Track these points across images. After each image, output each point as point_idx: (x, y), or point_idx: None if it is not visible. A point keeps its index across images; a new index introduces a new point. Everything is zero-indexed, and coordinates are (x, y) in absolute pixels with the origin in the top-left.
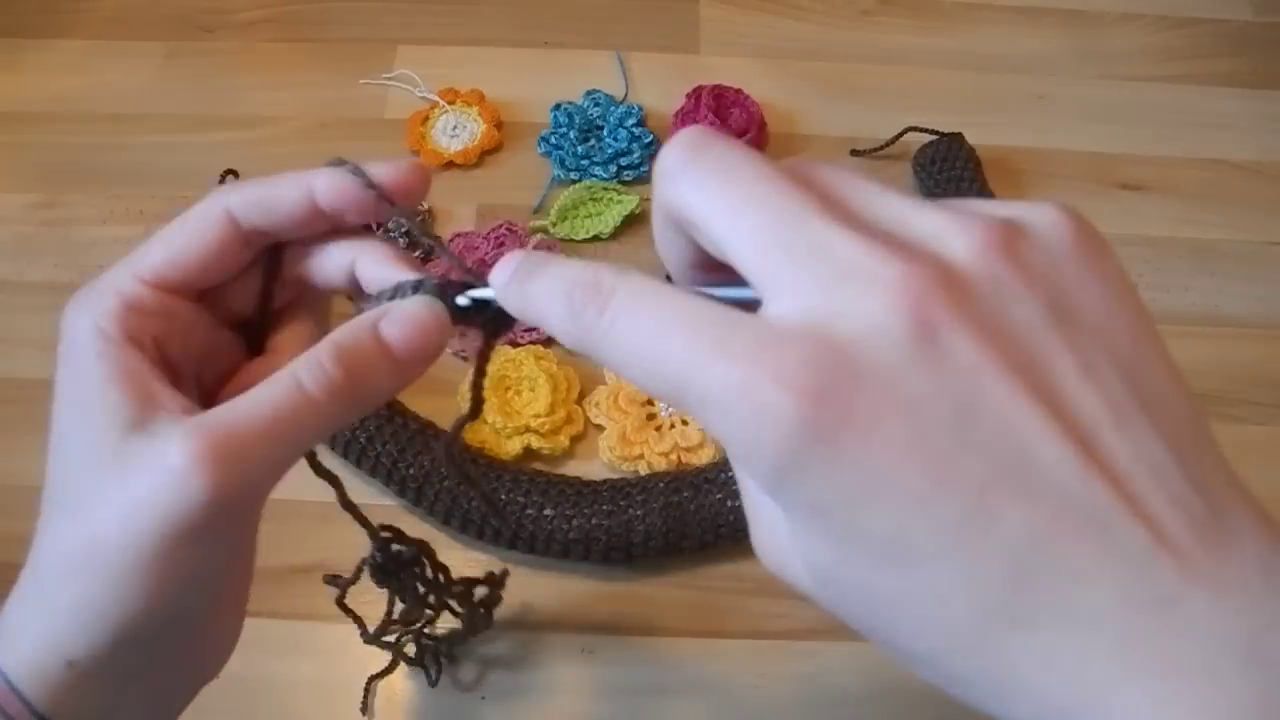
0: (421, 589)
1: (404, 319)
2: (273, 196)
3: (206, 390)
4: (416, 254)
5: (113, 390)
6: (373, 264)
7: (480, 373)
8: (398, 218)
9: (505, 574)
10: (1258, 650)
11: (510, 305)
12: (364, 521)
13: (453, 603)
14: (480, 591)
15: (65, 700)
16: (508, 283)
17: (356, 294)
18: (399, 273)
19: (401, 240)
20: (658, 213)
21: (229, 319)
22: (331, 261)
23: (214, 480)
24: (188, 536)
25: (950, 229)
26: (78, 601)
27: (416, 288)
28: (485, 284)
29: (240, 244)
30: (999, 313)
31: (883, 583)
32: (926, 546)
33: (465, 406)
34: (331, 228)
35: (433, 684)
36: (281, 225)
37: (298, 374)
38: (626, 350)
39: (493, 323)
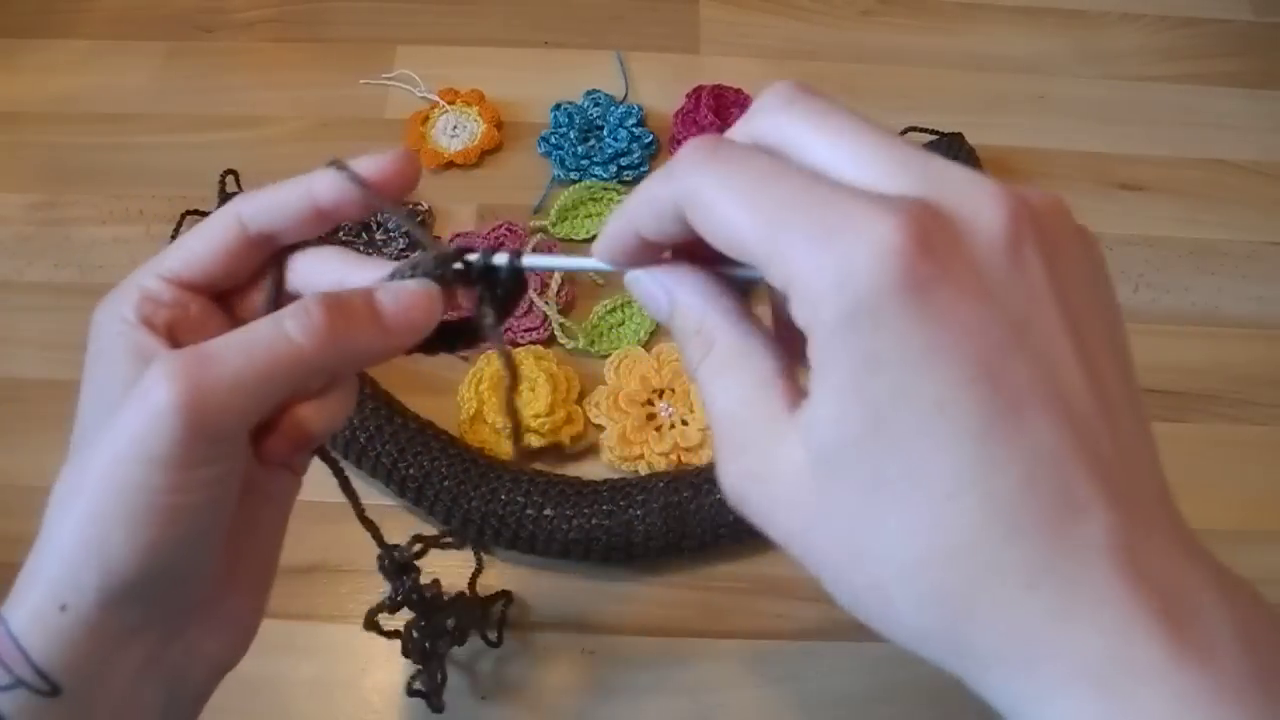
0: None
1: (396, 288)
2: (277, 201)
3: None
4: (416, 253)
5: (127, 362)
6: (372, 273)
7: (505, 352)
8: (392, 214)
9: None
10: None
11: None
12: (378, 538)
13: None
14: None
15: (62, 651)
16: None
17: None
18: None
19: (402, 240)
20: (663, 203)
21: (243, 321)
22: (332, 271)
23: (181, 397)
24: (163, 463)
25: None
26: (67, 541)
27: (414, 270)
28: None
29: (248, 247)
30: (1058, 257)
31: (897, 465)
32: (960, 429)
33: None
34: (334, 227)
35: (435, 709)
36: (286, 227)
37: (282, 317)
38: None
39: (502, 291)
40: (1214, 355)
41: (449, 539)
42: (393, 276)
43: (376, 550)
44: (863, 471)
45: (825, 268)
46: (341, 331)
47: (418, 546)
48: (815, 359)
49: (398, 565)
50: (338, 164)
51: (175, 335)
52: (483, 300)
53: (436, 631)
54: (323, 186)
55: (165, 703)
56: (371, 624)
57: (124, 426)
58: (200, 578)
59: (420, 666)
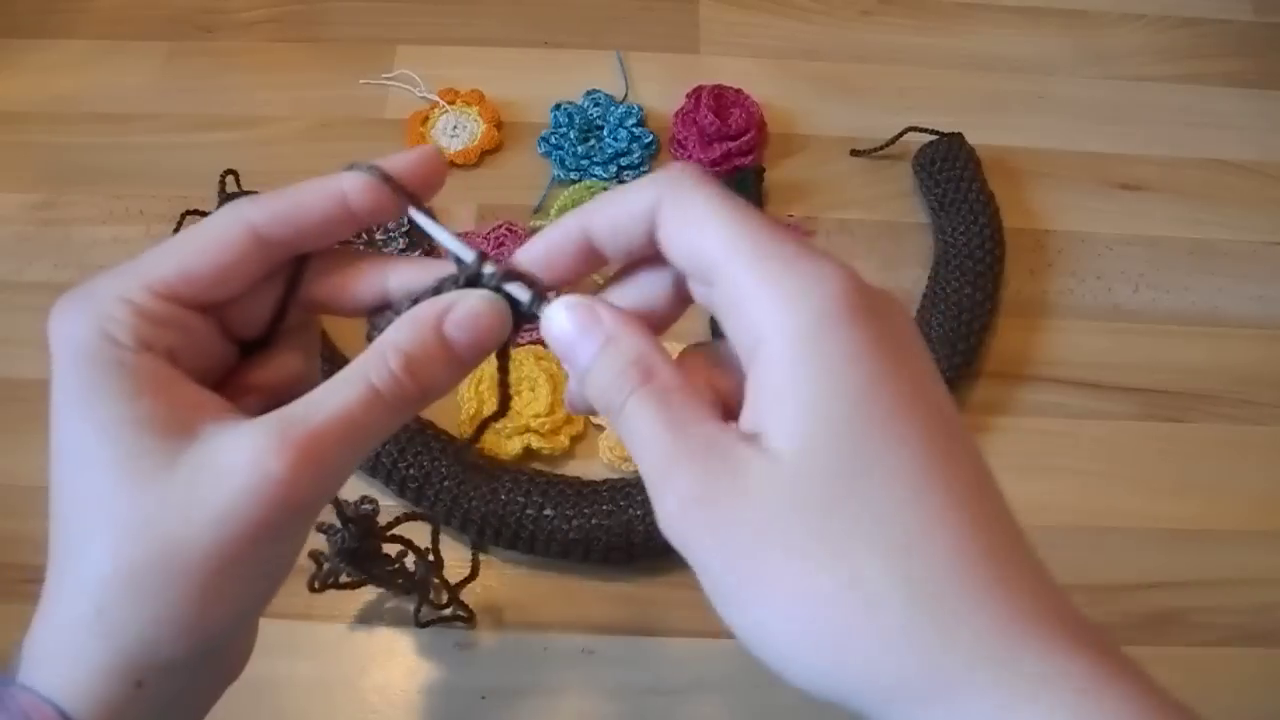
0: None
1: (468, 319)
2: (299, 205)
3: None
4: (417, 253)
5: (142, 400)
6: (410, 271)
7: (504, 369)
8: (418, 212)
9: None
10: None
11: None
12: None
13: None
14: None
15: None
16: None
17: (374, 313)
18: (438, 270)
19: (401, 240)
20: (635, 201)
21: (231, 333)
22: (364, 278)
23: (301, 481)
24: (268, 537)
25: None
26: (155, 618)
27: (465, 281)
28: (523, 278)
29: (260, 258)
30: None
31: (860, 496)
32: (911, 454)
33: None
34: (356, 232)
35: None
36: (310, 235)
37: (369, 376)
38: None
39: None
40: (1214, 355)
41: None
42: (438, 289)
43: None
44: (834, 486)
45: (798, 288)
46: (425, 382)
47: (369, 506)
48: (772, 375)
49: (345, 517)
50: (363, 166)
51: (177, 362)
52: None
53: (367, 553)
54: (355, 188)
55: None
56: (319, 588)
57: (230, 506)
58: (251, 634)
59: (362, 576)
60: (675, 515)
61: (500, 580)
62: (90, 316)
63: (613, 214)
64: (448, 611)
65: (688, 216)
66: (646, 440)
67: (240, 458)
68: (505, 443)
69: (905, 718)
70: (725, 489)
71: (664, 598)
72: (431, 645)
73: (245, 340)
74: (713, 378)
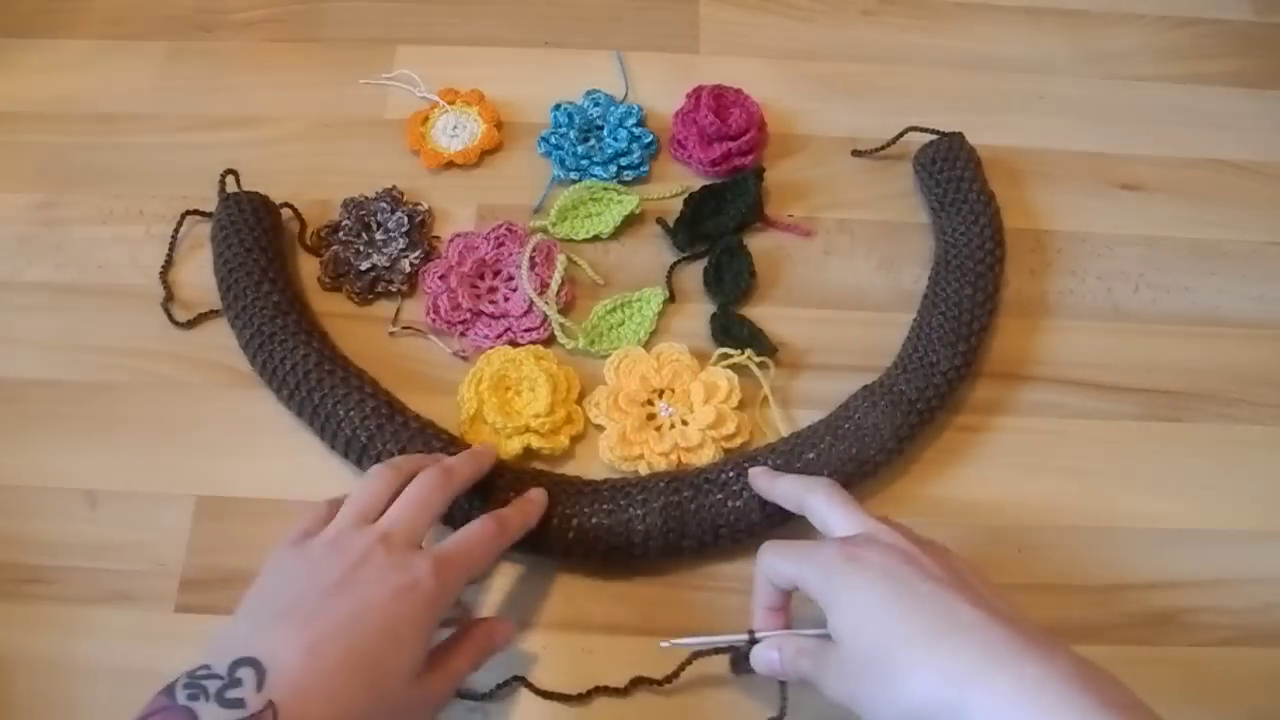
0: None
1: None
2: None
3: None
4: (417, 254)
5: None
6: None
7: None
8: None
9: None
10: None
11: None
12: None
13: None
14: None
15: None
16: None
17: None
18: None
19: (402, 240)
20: (771, 577)
21: None
22: None
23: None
24: None
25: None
26: None
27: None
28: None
29: None
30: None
31: (881, 652)
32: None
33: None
34: (334, 226)
35: None
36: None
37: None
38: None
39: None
40: (1214, 355)
41: None
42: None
43: None
44: (873, 650)
45: (814, 569)
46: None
47: None
48: (827, 604)
49: None
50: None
51: None
52: None
53: None
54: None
55: None
56: None
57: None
58: None
59: None
60: (825, 682)
61: (500, 579)
62: (450, 595)
63: (763, 589)
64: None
65: (779, 572)
66: (814, 675)
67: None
68: (505, 443)
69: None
70: (834, 662)
71: (664, 598)
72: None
73: None
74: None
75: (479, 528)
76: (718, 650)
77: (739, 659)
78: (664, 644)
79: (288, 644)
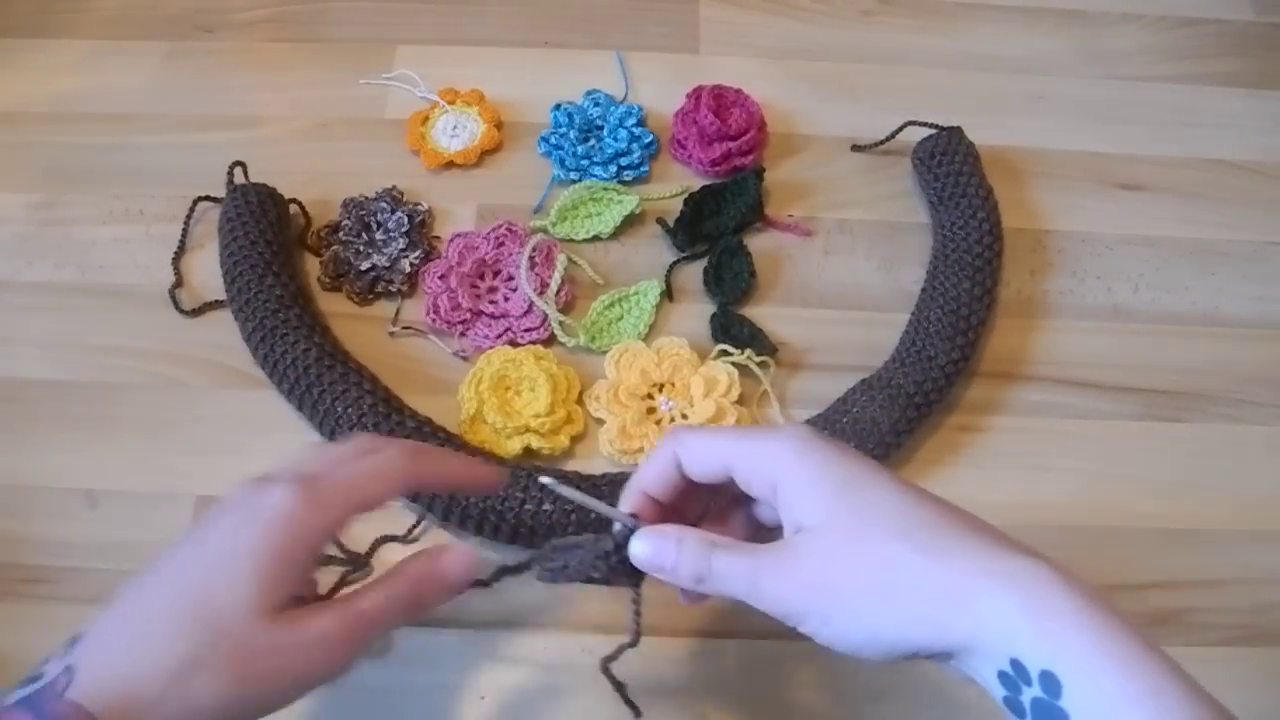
0: None
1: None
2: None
3: None
4: (417, 253)
5: (296, 584)
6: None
7: (637, 601)
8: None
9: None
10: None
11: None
12: None
13: None
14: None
15: None
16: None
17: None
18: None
19: (402, 239)
20: (661, 458)
21: None
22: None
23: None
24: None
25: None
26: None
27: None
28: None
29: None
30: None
31: (864, 532)
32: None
33: (468, 407)
34: (334, 226)
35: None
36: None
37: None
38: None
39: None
40: (1214, 355)
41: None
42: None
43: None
44: (851, 539)
45: (777, 446)
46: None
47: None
48: (787, 496)
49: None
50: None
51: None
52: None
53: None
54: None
55: None
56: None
57: (304, 665)
58: None
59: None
60: (770, 595)
61: None
62: (322, 519)
63: (648, 473)
64: None
65: (695, 450)
66: (735, 573)
67: (315, 629)
68: (505, 443)
69: (952, 629)
70: (792, 561)
71: (664, 598)
72: (430, 644)
73: None
74: (732, 532)
75: (383, 457)
76: (583, 526)
77: (592, 557)
78: (545, 480)
79: (109, 601)
